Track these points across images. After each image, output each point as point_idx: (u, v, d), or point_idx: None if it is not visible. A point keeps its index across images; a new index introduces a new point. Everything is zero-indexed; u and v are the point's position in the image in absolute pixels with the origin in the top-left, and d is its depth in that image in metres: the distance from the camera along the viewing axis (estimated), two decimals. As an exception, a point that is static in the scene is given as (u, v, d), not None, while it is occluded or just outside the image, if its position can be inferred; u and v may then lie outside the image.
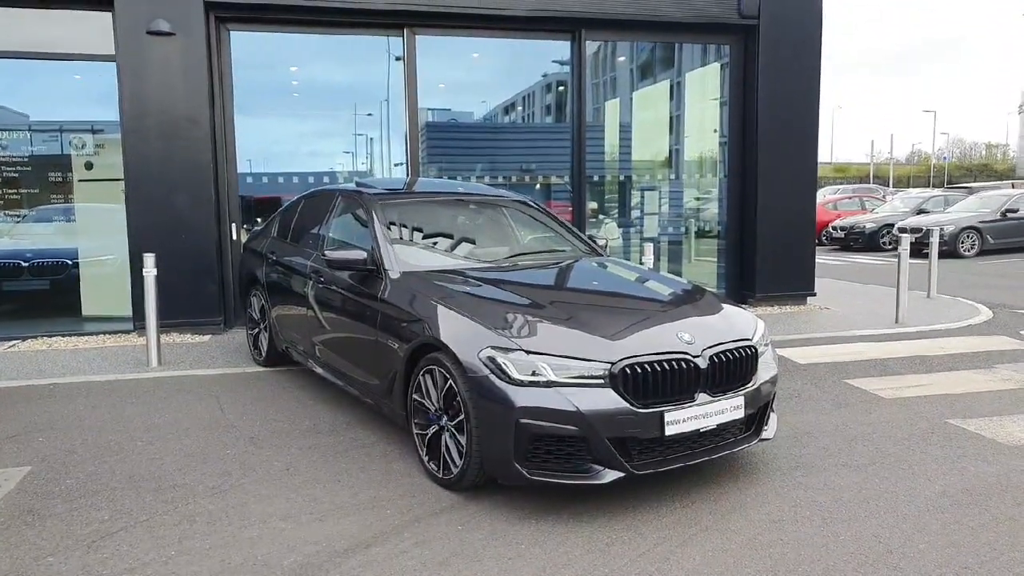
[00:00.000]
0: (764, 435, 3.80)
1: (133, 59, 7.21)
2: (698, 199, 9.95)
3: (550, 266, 4.82)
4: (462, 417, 3.45)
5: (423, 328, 3.77)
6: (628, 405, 3.26)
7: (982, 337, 7.21)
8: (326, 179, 8.69)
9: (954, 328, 7.67)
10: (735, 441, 3.65)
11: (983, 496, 3.55)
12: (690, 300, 4.12)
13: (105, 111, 7.56)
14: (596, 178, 9.31)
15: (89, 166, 7.82)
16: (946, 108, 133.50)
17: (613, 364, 3.29)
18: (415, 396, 3.82)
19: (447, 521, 3.32)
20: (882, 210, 21.12)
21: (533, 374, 3.27)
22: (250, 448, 4.28)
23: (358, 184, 5.50)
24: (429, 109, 8.89)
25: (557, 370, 3.27)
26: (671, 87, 9.70)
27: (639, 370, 3.31)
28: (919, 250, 13.24)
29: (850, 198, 23.86)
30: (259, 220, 7.88)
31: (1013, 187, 22.39)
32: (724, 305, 4.06)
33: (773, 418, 3.94)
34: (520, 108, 9.86)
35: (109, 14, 7.20)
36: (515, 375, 3.27)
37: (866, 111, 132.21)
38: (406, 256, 4.47)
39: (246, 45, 7.89)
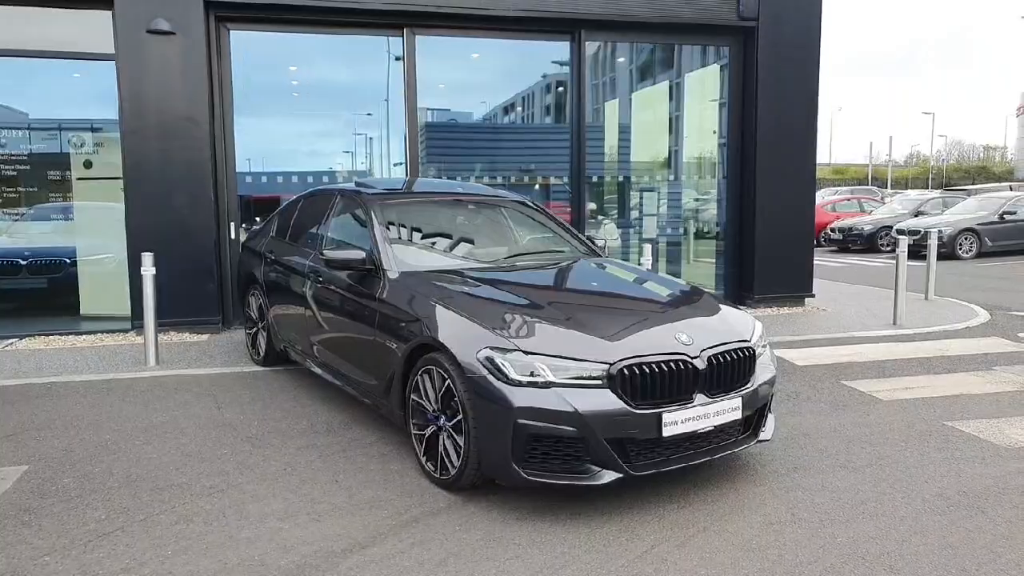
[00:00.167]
0: (762, 436, 3.80)
1: (133, 58, 7.20)
2: (697, 200, 9.96)
3: (549, 267, 4.82)
4: (460, 417, 3.45)
5: (421, 328, 3.77)
6: (626, 406, 3.26)
7: (980, 339, 7.22)
8: (325, 179, 8.69)
9: (952, 330, 7.68)
10: (733, 442, 3.65)
11: (980, 498, 3.55)
12: (688, 301, 4.12)
13: (104, 110, 7.56)
14: (595, 179, 9.31)
15: (88, 165, 7.82)
16: (945, 110, 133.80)
17: (611, 365, 3.29)
18: (413, 396, 3.82)
19: (445, 522, 3.32)
20: (880, 212, 21.14)
21: (531, 375, 3.27)
22: (248, 448, 4.27)
23: (357, 184, 5.50)
24: (428, 109, 8.89)
25: (555, 371, 3.27)
26: (670, 88, 9.70)
27: (637, 371, 3.31)
28: (917, 252, 13.23)
29: (848, 200, 23.88)
30: (258, 219, 7.88)
31: (1011, 189, 22.41)
32: (722, 306, 4.07)
33: (771, 419, 3.94)
34: (520, 108, 9.86)
35: (109, 13, 7.19)
36: (513, 375, 3.27)
37: (865, 113, 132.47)
38: (405, 256, 4.47)
39: (246, 44, 7.89)
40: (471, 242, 5.10)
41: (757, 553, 3.03)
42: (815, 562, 2.96)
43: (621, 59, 9.58)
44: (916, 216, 19.29)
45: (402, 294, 4.08)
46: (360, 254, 4.43)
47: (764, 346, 3.91)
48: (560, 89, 9.18)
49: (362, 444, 4.32)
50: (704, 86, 9.57)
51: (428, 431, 3.72)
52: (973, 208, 17.96)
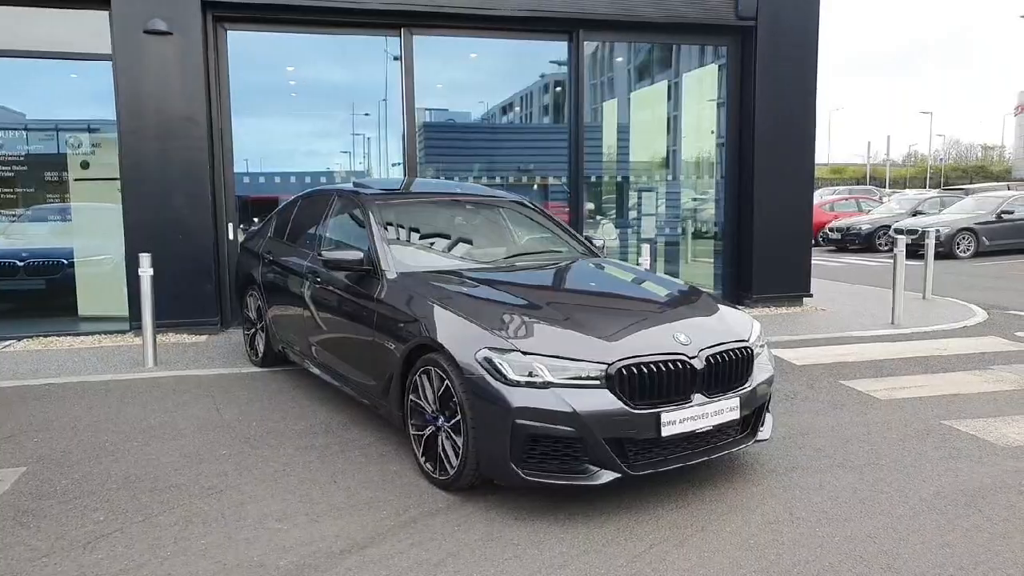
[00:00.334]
0: (760, 436, 3.80)
1: (130, 58, 7.19)
2: (695, 200, 9.97)
3: (547, 267, 4.82)
4: (458, 418, 3.45)
5: (420, 328, 3.77)
6: (624, 406, 3.27)
7: (977, 338, 7.23)
8: (323, 179, 8.69)
9: (950, 329, 7.69)
10: (731, 442, 3.66)
11: (977, 497, 3.56)
12: (686, 301, 4.12)
13: (101, 110, 7.55)
14: (593, 179, 9.32)
15: (85, 165, 7.81)
16: (943, 110, 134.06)
17: (609, 365, 3.29)
18: (411, 397, 3.82)
19: (443, 522, 3.32)
20: (878, 211, 21.18)
21: (529, 375, 3.27)
22: (246, 448, 4.27)
23: (355, 184, 5.50)
24: (426, 109, 8.89)
25: (553, 371, 3.27)
26: (669, 88, 9.71)
27: (635, 371, 3.31)
28: (915, 251, 13.28)
29: (846, 199, 23.91)
30: (256, 220, 7.87)
31: (1009, 189, 22.45)
32: (720, 306, 4.07)
33: (769, 419, 3.94)
34: (518, 108, 9.87)
35: (106, 13, 7.18)
36: (511, 376, 3.28)
37: (863, 112, 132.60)
38: (403, 256, 4.46)
39: (243, 44, 7.89)
40: (469, 242, 5.10)
41: (755, 552, 3.04)
42: (813, 561, 2.96)
43: (619, 59, 9.59)
44: (914, 216, 19.32)
45: (400, 294, 4.08)
46: (358, 254, 4.43)
47: (762, 346, 3.92)
48: (558, 89, 9.18)
49: (361, 445, 4.32)
50: (702, 86, 9.57)
51: (427, 431, 3.72)
52: (971, 208, 18.00)
